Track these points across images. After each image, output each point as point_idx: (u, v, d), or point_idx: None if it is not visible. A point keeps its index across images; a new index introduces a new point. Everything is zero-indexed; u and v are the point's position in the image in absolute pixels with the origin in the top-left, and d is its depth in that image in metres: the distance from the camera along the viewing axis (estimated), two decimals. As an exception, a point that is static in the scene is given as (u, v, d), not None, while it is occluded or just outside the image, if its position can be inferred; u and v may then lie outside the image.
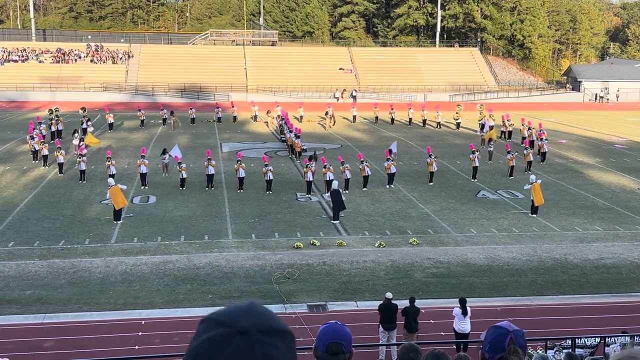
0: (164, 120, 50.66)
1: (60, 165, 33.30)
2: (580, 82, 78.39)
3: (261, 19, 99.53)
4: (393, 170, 31.44)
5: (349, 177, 30.07)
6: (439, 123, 51.51)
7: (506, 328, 2.99)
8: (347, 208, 26.47)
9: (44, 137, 38.90)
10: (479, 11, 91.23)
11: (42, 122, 42.28)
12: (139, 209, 27.31)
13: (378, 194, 30.17)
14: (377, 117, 54.18)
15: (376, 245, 22.70)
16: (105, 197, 27.39)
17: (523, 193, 29.46)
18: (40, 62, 72.74)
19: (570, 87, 79.59)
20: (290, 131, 40.05)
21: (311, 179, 29.92)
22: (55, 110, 46.47)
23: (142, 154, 31.74)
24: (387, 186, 31.32)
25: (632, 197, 30.37)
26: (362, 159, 31.48)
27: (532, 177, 27.45)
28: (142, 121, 50.25)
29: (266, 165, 30.34)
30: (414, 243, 22.95)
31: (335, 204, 25.48)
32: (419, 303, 15.69)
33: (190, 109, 53.29)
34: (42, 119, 44.27)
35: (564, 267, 21.03)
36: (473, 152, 33.43)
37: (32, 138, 36.94)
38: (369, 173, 30.91)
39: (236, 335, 1.52)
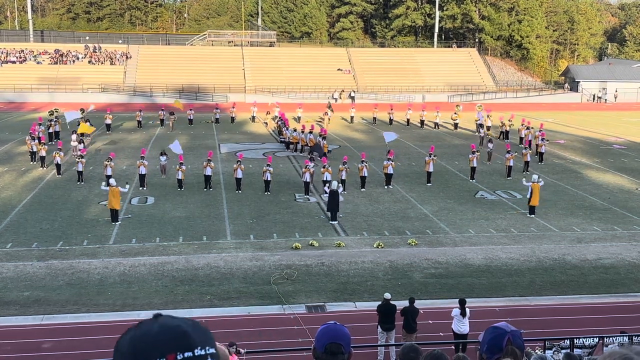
0: (162, 121, 50.67)
1: (58, 166, 33.26)
2: (578, 82, 78.47)
3: (259, 19, 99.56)
4: (390, 170, 31.42)
5: (344, 177, 29.96)
6: (436, 124, 51.58)
7: (504, 329, 2.99)
8: (345, 209, 26.48)
9: (44, 137, 38.89)
10: (477, 12, 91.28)
11: (41, 123, 42.24)
12: (137, 210, 27.29)
13: (376, 194, 30.17)
14: (375, 118, 54.21)
15: (375, 245, 22.69)
16: (103, 199, 27.33)
17: (521, 193, 29.47)
18: (38, 63, 72.67)
19: (569, 87, 79.65)
20: (302, 132, 40.79)
21: (309, 180, 29.91)
22: (56, 111, 46.43)
23: (142, 155, 31.72)
24: (386, 187, 31.32)
25: (630, 197, 30.40)
26: (363, 159, 31.43)
27: (535, 176, 27.50)
28: (139, 122, 50.23)
29: (268, 165, 30.33)
30: (413, 244, 22.95)
31: (331, 204, 25.46)
32: (417, 303, 15.68)
33: (189, 109, 53.28)
34: (43, 120, 44.14)
35: (562, 268, 21.04)
36: (473, 152, 33.45)
37: (33, 139, 36.79)
38: (366, 174, 30.89)
39: (157, 318, 1.91)
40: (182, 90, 69.51)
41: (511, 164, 33.93)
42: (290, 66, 75.12)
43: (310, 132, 40.61)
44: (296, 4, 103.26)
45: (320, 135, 39.20)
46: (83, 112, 48.22)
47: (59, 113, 46.93)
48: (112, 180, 26.34)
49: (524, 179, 27.90)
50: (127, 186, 27.04)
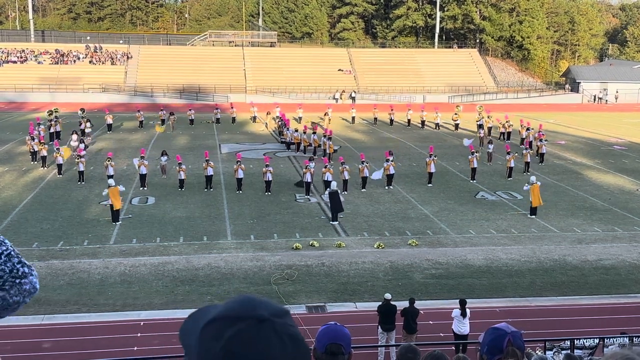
0: (163, 121, 50.68)
1: (59, 166, 33.27)
2: (579, 83, 78.45)
3: (260, 20, 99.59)
4: (392, 171, 31.43)
5: (347, 178, 30.04)
6: (437, 124, 51.58)
7: (504, 330, 2.99)
8: (346, 210, 26.46)
9: (43, 137, 38.88)
10: (478, 12, 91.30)
11: (40, 123, 42.23)
12: (138, 210, 27.29)
13: (377, 195, 30.16)
14: (375, 119, 54.20)
15: (375, 246, 22.68)
16: (103, 199, 27.33)
17: (522, 194, 29.45)
18: (39, 63, 72.72)
19: (569, 88, 79.63)
20: (304, 132, 41.10)
21: (310, 180, 29.91)
22: (55, 111, 46.42)
23: (142, 155, 31.73)
24: (386, 187, 31.32)
25: (631, 198, 30.38)
26: (363, 160, 31.45)
27: (532, 178, 27.47)
28: (141, 122, 50.30)
29: (267, 166, 30.34)
30: (413, 244, 22.94)
31: (333, 205, 25.47)
32: (417, 304, 15.68)
33: (190, 110, 53.35)
34: (41, 119, 44.15)
35: (562, 268, 21.03)
36: (472, 153, 33.44)
37: (33, 139, 36.82)
38: (367, 174, 30.89)
39: (258, 325, 1.54)
40: (182, 90, 69.55)
41: (512, 165, 33.92)
42: (291, 66, 75.12)
43: (314, 133, 40.68)
44: (297, 5, 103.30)
45: (325, 136, 39.19)
46: (83, 111, 48.26)
47: (58, 113, 46.88)
48: (111, 181, 26.31)
49: (527, 183, 27.78)
50: (121, 187, 26.83)
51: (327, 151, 37.51)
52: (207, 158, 31.28)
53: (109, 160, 31.48)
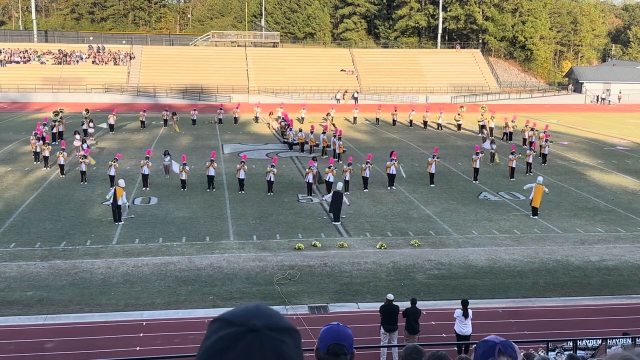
0: (165, 121, 50.69)
1: (61, 166, 33.30)
2: (582, 83, 78.32)
3: (263, 20, 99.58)
4: (393, 171, 31.36)
5: (347, 179, 29.94)
6: (439, 124, 51.52)
7: (493, 340, 3.01)
8: (348, 210, 26.47)
9: (49, 138, 38.92)
10: (481, 13, 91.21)
11: (46, 123, 42.21)
12: (140, 210, 27.32)
13: (379, 195, 30.16)
14: (377, 119, 54.16)
15: (377, 246, 22.69)
16: (105, 199, 27.34)
17: (525, 194, 29.42)
18: (42, 63, 72.81)
19: (572, 88, 79.51)
20: (311, 132, 41.15)
21: (312, 181, 29.90)
22: (61, 111, 46.46)
23: (147, 156, 31.61)
24: (389, 187, 31.30)
25: (634, 199, 30.34)
26: (368, 160, 31.37)
27: (540, 178, 27.46)
28: (143, 122, 50.28)
29: (272, 166, 30.28)
30: (416, 244, 22.93)
31: (334, 205, 25.44)
32: (420, 304, 15.68)
33: (192, 110, 53.36)
34: (48, 120, 44.02)
35: (565, 269, 21.01)
36: (476, 154, 33.38)
37: (39, 139, 36.70)
38: (368, 175, 30.84)
39: (247, 333, 1.59)
40: (185, 90, 69.60)
41: (514, 165, 33.88)
42: (294, 67, 75.12)
43: (324, 133, 40.63)
44: (299, 5, 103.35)
45: (334, 136, 39.11)
46: (88, 112, 48.30)
47: (64, 113, 46.89)
48: (121, 181, 25.95)
49: (530, 184, 27.72)
50: (121, 182, 26.36)
51: (337, 151, 37.44)
52: (212, 158, 31.27)
53: (114, 161, 31.26)
